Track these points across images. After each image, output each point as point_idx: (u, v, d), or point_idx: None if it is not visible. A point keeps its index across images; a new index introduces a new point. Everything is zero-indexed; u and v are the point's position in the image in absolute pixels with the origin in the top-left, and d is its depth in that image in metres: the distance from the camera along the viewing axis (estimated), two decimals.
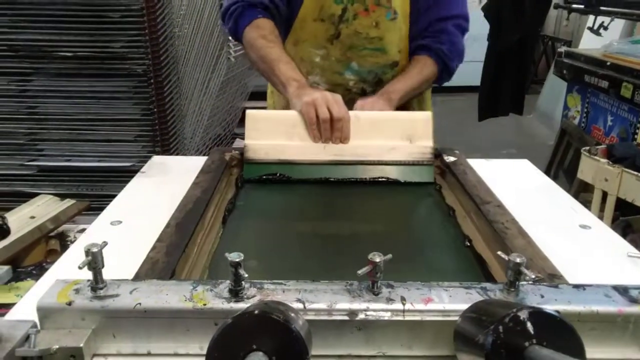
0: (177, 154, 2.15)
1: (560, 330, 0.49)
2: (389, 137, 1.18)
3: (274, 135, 1.17)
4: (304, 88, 1.21)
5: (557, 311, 0.59)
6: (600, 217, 1.69)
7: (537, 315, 0.49)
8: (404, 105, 1.38)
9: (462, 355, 0.57)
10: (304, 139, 1.17)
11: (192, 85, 2.27)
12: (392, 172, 1.17)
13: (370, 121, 1.19)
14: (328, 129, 1.15)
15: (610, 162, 2.04)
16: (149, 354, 0.63)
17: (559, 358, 0.45)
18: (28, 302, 0.68)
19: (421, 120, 1.20)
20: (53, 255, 1.61)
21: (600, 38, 3.24)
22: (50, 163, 2.08)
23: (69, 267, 0.81)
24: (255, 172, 1.16)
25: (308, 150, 1.16)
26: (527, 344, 0.47)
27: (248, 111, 1.18)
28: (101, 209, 1.04)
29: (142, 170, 1.23)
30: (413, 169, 1.17)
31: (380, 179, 1.16)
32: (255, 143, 1.16)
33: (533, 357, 0.46)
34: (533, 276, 0.60)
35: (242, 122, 3.05)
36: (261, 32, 1.31)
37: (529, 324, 0.48)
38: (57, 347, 0.59)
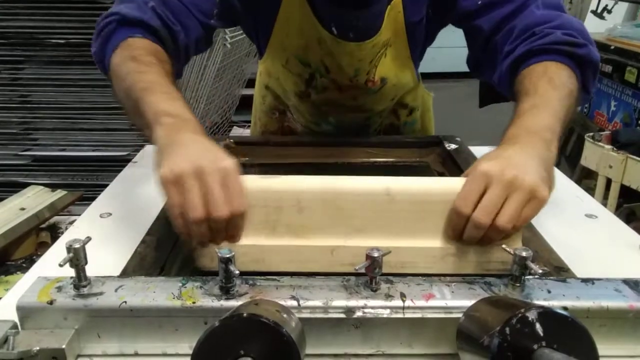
0: None
1: (571, 332, 0.46)
2: (444, 229, 0.67)
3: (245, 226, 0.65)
4: (179, 132, 0.65)
5: (565, 307, 0.56)
6: (604, 205, 1.66)
7: (547, 315, 0.45)
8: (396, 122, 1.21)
9: (465, 355, 0.54)
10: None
11: (188, 72, 2.23)
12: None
13: (411, 200, 0.66)
14: (204, 232, 0.61)
15: (615, 148, 2.00)
16: (136, 354, 0.60)
17: None
18: (11, 300, 0.65)
19: None
20: (44, 247, 1.58)
21: (604, 21, 3.19)
22: (44, 153, 2.06)
23: (55, 262, 0.78)
24: None
25: (304, 255, 0.66)
26: (535, 346, 0.45)
27: None
28: (96, 199, 1.01)
29: (134, 160, 1.19)
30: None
31: None
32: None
33: None
34: (540, 271, 0.57)
35: (239, 109, 3.03)
36: (131, 52, 0.80)
37: (537, 325, 0.45)
38: (38, 348, 0.56)
